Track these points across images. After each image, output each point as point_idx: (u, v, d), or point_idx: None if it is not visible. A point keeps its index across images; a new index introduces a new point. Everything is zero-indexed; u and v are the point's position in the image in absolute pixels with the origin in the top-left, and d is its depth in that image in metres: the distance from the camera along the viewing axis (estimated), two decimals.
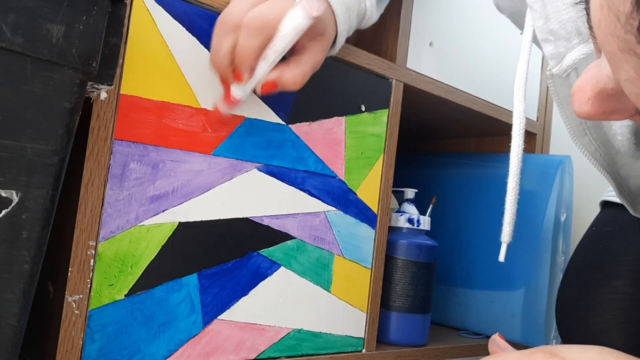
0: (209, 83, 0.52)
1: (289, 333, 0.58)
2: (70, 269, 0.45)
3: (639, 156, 0.50)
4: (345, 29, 0.55)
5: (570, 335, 0.66)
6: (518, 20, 0.60)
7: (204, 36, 0.51)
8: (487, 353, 0.45)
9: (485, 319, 0.84)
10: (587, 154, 0.53)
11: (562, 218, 0.80)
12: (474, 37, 0.81)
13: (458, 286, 0.88)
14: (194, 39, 0.51)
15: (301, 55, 0.52)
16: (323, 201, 0.61)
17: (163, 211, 0.49)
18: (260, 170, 0.56)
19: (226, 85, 0.51)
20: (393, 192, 0.75)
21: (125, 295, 0.47)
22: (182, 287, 0.51)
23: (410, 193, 0.77)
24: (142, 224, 0.48)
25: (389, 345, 0.70)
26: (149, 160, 0.49)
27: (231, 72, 0.50)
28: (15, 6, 0.33)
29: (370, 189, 0.65)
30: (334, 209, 0.62)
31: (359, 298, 0.64)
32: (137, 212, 0.48)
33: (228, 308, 0.53)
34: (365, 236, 0.65)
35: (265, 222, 0.56)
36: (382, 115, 0.66)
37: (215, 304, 0.53)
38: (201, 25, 0.51)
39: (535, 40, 0.53)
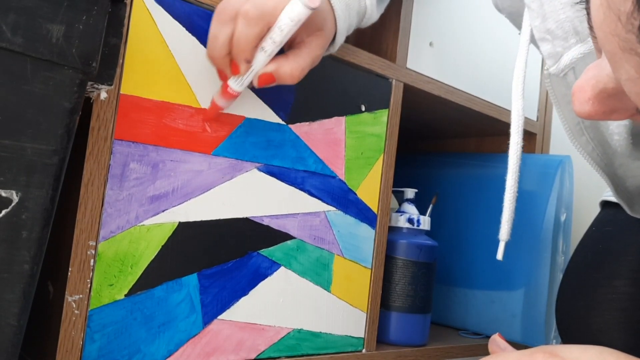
0: (209, 83, 0.52)
1: (289, 333, 0.58)
2: (70, 269, 0.45)
3: (636, 156, 0.50)
4: (344, 27, 0.55)
5: (570, 335, 0.66)
6: (516, 20, 0.60)
7: (204, 36, 0.51)
8: (487, 353, 0.45)
9: (485, 319, 0.84)
10: (585, 154, 0.53)
11: (562, 218, 0.80)
12: (474, 37, 0.81)
13: (458, 286, 0.88)
14: (194, 39, 0.51)
15: (300, 49, 0.51)
16: (323, 201, 0.61)
17: (163, 211, 0.49)
18: (260, 170, 0.56)
19: (224, 78, 0.51)
20: (393, 192, 0.75)
21: (125, 295, 0.48)
22: (182, 287, 0.51)
23: (410, 193, 0.77)
24: (142, 224, 0.48)
25: (389, 345, 0.70)
26: (149, 160, 0.49)
27: (228, 63, 0.49)
28: (15, 6, 0.33)
29: (370, 189, 0.65)
30: (334, 209, 0.62)
31: (359, 298, 0.64)
32: (137, 212, 0.48)
33: (228, 308, 0.53)
34: (365, 236, 0.65)
35: (265, 222, 0.56)
36: (382, 115, 0.66)
37: (215, 304, 0.53)
38: (201, 25, 0.51)
39: (533, 39, 0.53)
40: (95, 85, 0.39)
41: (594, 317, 0.64)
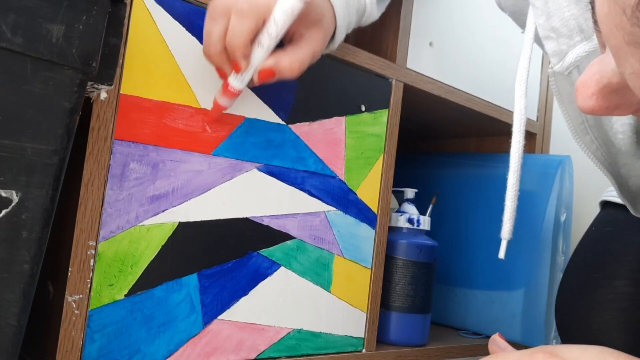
0: (209, 83, 0.52)
1: (289, 333, 0.58)
2: (70, 269, 0.45)
3: (639, 155, 0.50)
4: (344, 25, 0.55)
5: (570, 335, 0.66)
6: (519, 18, 0.60)
7: None
8: (487, 353, 0.45)
9: (485, 319, 0.84)
10: (589, 153, 0.53)
11: (562, 218, 0.80)
12: (474, 37, 0.81)
13: (458, 286, 0.88)
14: (194, 38, 0.51)
15: (299, 43, 0.51)
16: (323, 201, 0.61)
17: (163, 211, 0.49)
18: (260, 170, 0.56)
19: (224, 77, 0.50)
20: (393, 192, 0.75)
21: (125, 295, 0.47)
22: (182, 287, 0.51)
23: (410, 193, 0.77)
24: (142, 224, 0.48)
25: (389, 345, 0.70)
26: (149, 160, 0.49)
27: (225, 59, 0.49)
28: (15, 6, 0.33)
29: (370, 189, 0.65)
30: (334, 209, 0.62)
31: (359, 298, 0.64)
32: (137, 212, 0.48)
33: (228, 308, 0.53)
34: (365, 236, 0.65)
35: (265, 222, 0.56)
36: (382, 115, 0.66)
37: (215, 304, 0.53)
38: (201, 25, 0.51)
39: (537, 38, 0.53)
40: (95, 85, 0.39)
41: (594, 317, 0.64)
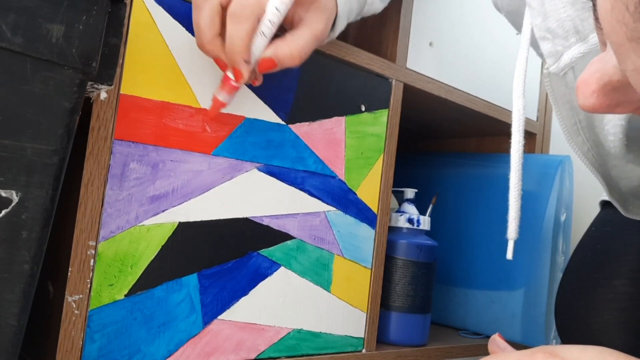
0: (209, 83, 0.52)
1: (289, 333, 0.58)
2: (70, 269, 0.45)
3: (629, 159, 0.50)
4: (345, 11, 0.54)
5: (569, 335, 0.66)
6: (515, 19, 0.60)
7: None
8: (487, 353, 0.45)
9: (485, 319, 0.84)
10: (580, 154, 0.53)
11: (562, 218, 0.80)
12: (474, 37, 0.81)
13: (458, 286, 0.88)
14: (193, 39, 0.51)
15: (298, 29, 0.50)
16: (323, 201, 0.61)
17: (163, 211, 0.49)
18: (260, 170, 0.56)
19: (223, 67, 0.49)
20: (393, 192, 0.75)
21: (125, 295, 0.48)
22: (182, 287, 0.51)
23: (410, 193, 0.77)
24: (142, 224, 0.48)
25: (389, 345, 0.70)
26: (149, 160, 0.49)
27: (220, 47, 0.47)
28: (15, 6, 0.33)
29: (370, 189, 0.65)
30: (334, 209, 0.62)
31: (359, 298, 0.64)
32: (137, 212, 0.48)
33: (228, 308, 0.53)
34: (365, 236, 0.65)
35: (265, 222, 0.56)
36: (382, 115, 0.66)
37: (215, 304, 0.53)
38: None
39: (533, 39, 0.53)
40: (95, 85, 0.39)
41: (594, 317, 0.64)
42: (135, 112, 0.48)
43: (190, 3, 0.51)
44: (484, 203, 0.86)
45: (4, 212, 0.34)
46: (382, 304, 0.70)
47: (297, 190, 0.58)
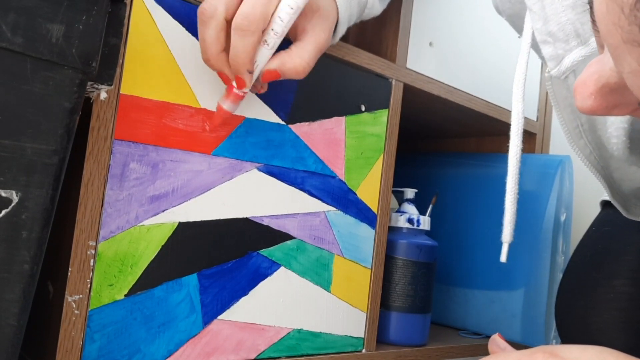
0: (209, 83, 0.52)
1: (289, 333, 0.58)
2: (70, 269, 0.45)
3: (632, 161, 0.50)
4: (346, 17, 0.54)
5: (569, 335, 0.66)
6: (516, 22, 0.61)
7: None
8: (487, 353, 0.45)
9: (485, 319, 0.84)
10: (582, 157, 0.53)
11: (562, 218, 0.80)
12: (474, 37, 0.81)
13: (458, 286, 0.88)
14: (194, 39, 0.51)
15: (303, 41, 0.50)
16: (323, 201, 0.61)
17: (163, 211, 0.49)
18: (260, 170, 0.56)
19: (227, 81, 0.50)
20: (393, 192, 0.75)
21: (125, 295, 0.48)
22: (182, 287, 0.51)
23: (410, 193, 0.77)
24: (142, 224, 0.48)
25: (389, 345, 0.70)
26: (149, 160, 0.49)
27: (225, 62, 0.48)
28: (15, 6, 0.33)
29: (370, 189, 0.65)
30: (334, 209, 0.62)
31: (359, 298, 0.64)
32: (137, 212, 0.48)
33: (228, 308, 0.53)
34: (365, 236, 0.65)
35: (265, 222, 0.56)
36: (382, 115, 0.66)
37: (215, 304, 0.53)
38: None
39: (533, 43, 0.53)
40: (95, 85, 0.39)
41: (594, 317, 0.64)
42: (135, 112, 0.48)
43: (191, 3, 0.51)
44: (483, 203, 0.86)
45: (4, 212, 0.34)
46: (382, 304, 0.70)
47: (297, 190, 0.58)
